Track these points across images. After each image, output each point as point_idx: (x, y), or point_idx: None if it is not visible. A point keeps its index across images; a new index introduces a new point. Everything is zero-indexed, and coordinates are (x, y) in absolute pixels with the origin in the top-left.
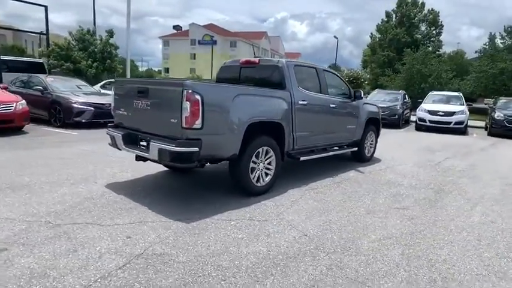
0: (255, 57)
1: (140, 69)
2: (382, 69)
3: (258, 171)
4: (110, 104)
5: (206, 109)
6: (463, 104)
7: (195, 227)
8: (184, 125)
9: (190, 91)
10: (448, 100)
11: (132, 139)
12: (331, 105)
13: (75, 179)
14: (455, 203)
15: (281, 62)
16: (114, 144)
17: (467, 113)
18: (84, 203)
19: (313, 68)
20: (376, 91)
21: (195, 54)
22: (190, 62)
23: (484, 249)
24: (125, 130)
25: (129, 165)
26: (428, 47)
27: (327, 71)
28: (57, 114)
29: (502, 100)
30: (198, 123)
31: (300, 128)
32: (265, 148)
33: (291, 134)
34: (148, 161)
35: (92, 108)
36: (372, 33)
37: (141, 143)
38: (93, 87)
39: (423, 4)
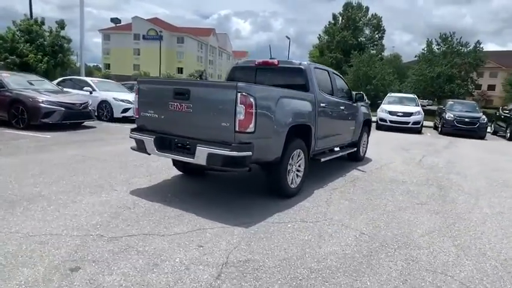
0: (271, 58)
1: (77, 64)
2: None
3: (292, 174)
4: (81, 103)
5: (258, 112)
6: (418, 105)
7: (258, 231)
8: (237, 129)
9: (244, 93)
10: (404, 101)
11: (165, 143)
12: (341, 107)
13: (90, 187)
14: (460, 197)
15: (304, 65)
16: (141, 148)
17: (423, 113)
18: (123, 213)
19: (326, 70)
20: None
21: (139, 50)
22: (134, 58)
23: None
24: (155, 134)
25: (135, 170)
26: (373, 50)
27: (335, 73)
28: (19, 115)
29: (450, 102)
30: (251, 127)
31: (319, 130)
32: (298, 151)
33: (314, 136)
34: (150, 165)
35: (62, 109)
36: (319, 35)
37: (178, 147)
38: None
39: (367, 8)
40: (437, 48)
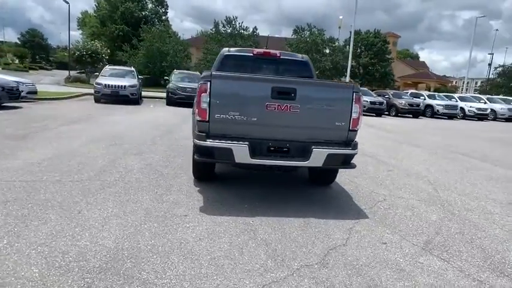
0: (266, 48)
1: None
2: (115, 43)
3: None
4: None
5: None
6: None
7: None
8: (351, 128)
9: (358, 93)
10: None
11: (260, 149)
12: None
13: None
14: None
15: (305, 57)
16: (223, 158)
17: None
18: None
19: None
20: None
21: None
22: None
23: None
24: (243, 139)
25: (175, 180)
26: (159, 26)
27: None
28: None
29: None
30: (359, 125)
31: None
32: None
33: None
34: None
35: None
36: (98, 3)
37: (275, 152)
38: None
39: None
40: (224, 30)
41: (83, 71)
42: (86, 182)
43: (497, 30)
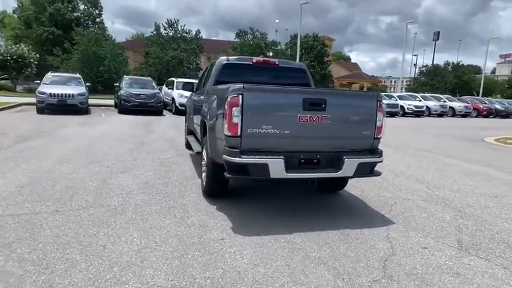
0: (263, 57)
1: None
2: (43, 46)
3: None
4: None
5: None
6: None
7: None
8: (376, 136)
9: (381, 101)
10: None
11: (293, 162)
12: None
13: None
14: None
15: (303, 66)
16: (258, 174)
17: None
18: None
19: None
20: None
21: None
22: None
23: None
24: (276, 153)
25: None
26: (93, 28)
27: None
28: None
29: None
30: (383, 133)
31: None
32: None
33: None
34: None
35: None
36: (21, 3)
37: (306, 163)
38: None
39: None
40: (165, 33)
41: (6, 77)
42: (90, 209)
43: (416, 33)
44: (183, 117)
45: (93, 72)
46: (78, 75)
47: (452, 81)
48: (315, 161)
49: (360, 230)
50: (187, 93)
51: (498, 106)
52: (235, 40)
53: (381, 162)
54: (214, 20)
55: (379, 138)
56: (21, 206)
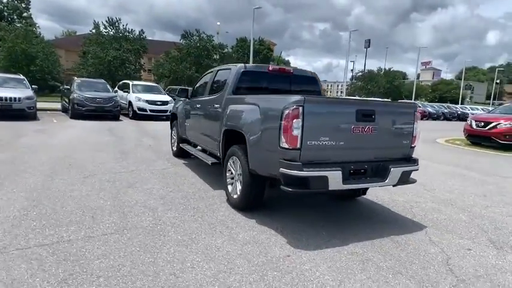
0: (277, 65)
1: None
2: None
3: None
4: None
5: None
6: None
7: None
8: (412, 145)
9: (417, 111)
10: (152, 90)
11: (345, 173)
12: None
13: None
14: None
15: (314, 74)
16: (320, 186)
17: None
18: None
19: None
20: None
21: None
22: None
23: None
24: (335, 165)
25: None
26: (20, 24)
27: None
28: None
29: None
30: (417, 141)
31: None
32: None
33: None
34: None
35: None
36: None
37: (355, 174)
38: None
39: None
40: (106, 32)
41: None
42: (126, 232)
43: (350, 36)
44: (145, 122)
45: (23, 72)
46: (21, 76)
47: (385, 86)
48: (362, 171)
49: (404, 235)
50: (147, 97)
51: (430, 109)
52: (181, 42)
53: (417, 170)
54: (150, 20)
55: (414, 146)
56: (42, 233)
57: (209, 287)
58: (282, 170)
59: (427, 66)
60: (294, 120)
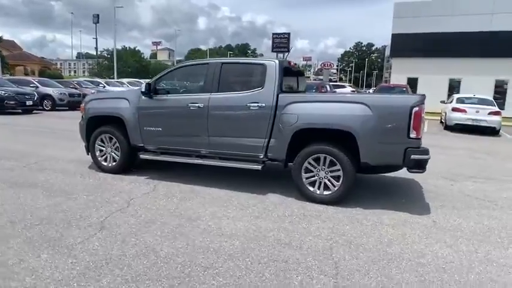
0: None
1: None
2: None
3: None
4: None
5: None
6: None
7: None
8: None
9: None
10: None
11: None
12: None
13: None
14: None
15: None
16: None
17: None
18: None
19: None
20: None
21: None
22: None
23: None
24: None
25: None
26: None
27: None
28: None
29: None
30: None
31: None
32: None
33: None
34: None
35: None
36: None
37: None
38: None
39: None
40: None
41: None
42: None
43: (72, 13)
44: None
45: None
46: None
47: (134, 66)
48: None
49: (434, 217)
50: None
51: None
52: None
53: None
54: None
55: None
56: None
57: None
58: (414, 156)
59: (160, 47)
60: (422, 114)
